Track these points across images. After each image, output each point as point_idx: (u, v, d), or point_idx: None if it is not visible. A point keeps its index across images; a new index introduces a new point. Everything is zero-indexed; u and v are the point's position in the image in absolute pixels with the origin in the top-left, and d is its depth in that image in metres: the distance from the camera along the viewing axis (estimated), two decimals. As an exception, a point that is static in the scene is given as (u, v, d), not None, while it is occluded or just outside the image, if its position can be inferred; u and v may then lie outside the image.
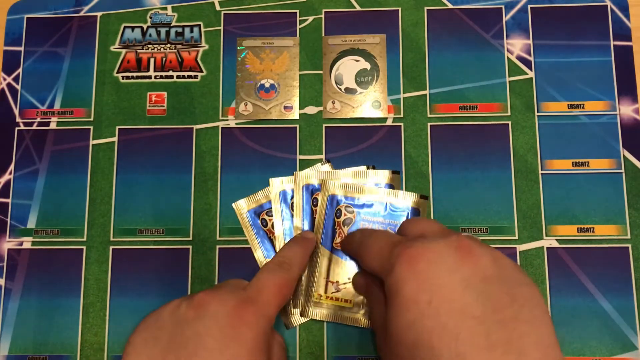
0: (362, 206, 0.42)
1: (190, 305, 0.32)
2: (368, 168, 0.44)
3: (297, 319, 0.42)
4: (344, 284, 0.41)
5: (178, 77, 0.47)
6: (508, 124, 0.45)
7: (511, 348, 0.27)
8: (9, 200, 0.45)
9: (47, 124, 0.46)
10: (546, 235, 0.43)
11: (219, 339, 0.30)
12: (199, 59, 0.47)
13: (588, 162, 0.44)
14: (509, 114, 0.45)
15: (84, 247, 0.44)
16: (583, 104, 0.45)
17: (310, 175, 0.43)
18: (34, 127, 0.46)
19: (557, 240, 0.43)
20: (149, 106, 0.46)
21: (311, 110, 0.46)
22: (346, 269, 0.41)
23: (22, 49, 0.48)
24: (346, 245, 0.40)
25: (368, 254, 0.35)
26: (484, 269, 0.30)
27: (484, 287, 0.29)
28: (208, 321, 0.31)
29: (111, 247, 0.44)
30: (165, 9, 0.48)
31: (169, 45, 0.47)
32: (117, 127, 0.46)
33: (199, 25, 0.48)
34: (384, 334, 0.32)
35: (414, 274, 0.30)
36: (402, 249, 0.31)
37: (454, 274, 0.29)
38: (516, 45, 0.46)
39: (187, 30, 0.48)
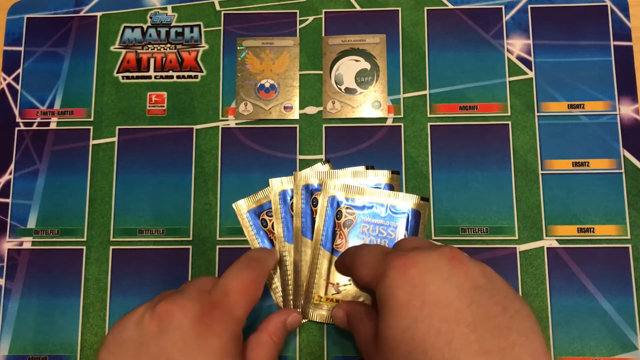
0: (363, 208, 0.42)
1: (153, 317, 0.31)
2: (367, 168, 0.44)
3: (297, 319, 0.42)
4: (344, 285, 0.41)
5: (178, 77, 0.47)
6: (508, 124, 0.45)
7: (505, 355, 0.27)
8: (9, 200, 0.45)
9: (47, 124, 0.46)
10: (546, 235, 0.43)
11: (185, 352, 0.30)
12: (199, 59, 0.47)
13: (588, 162, 0.44)
14: (509, 114, 0.45)
15: (84, 247, 0.44)
16: (583, 104, 0.45)
17: (309, 175, 0.43)
18: (34, 127, 0.46)
19: (557, 240, 0.43)
20: (149, 106, 0.46)
21: (311, 110, 0.46)
22: (346, 269, 0.41)
23: (22, 49, 0.48)
24: (340, 261, 0.40)
25: (361, 264, 0.35)
26: (475, 279, 0.30)
27: (475, 295, 0.29)
28: (172, 334, 0.30)
29: (111, 247, 0.44)
30: (165, 9, 0.48)
31: (169, 45, 0.47)
32: (117, 127, 0.46)
33: (199, 25, 0.48)
34: (374, 349, 0.32)
35: (406, 280, 0.30)
36: (395, 257, 0.32)
37: (446, 281, 0.30)
38: (516, 45, 0.46)
39: (187, 30, 0.48)
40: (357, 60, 0.46)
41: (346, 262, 0.39)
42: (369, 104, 0.45)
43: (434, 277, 0.30)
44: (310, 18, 0.47)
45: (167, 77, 0.47)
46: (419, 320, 0.29)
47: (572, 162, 0.44)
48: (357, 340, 0.36)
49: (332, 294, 0.41)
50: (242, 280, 0.34)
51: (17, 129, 0.46)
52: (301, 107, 0.46)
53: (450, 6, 0.47)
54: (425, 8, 0.47)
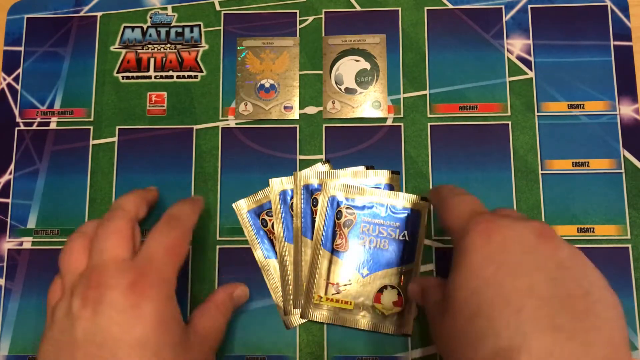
0: (363, 208, 0.42)
1: (85, 304, 0.31)
2: (367, 168, 0.44)
3: (297, 319, 0.42)
4: (344, 285, 0.41)
5: (178, 77, 0.47)
6: (508, 124, 0.45)
7: (577, 335, 0.25)
8: (9, 200, 0.45)
9: (47, 124, 0.46)
10: (546, 236, 0.43)
11: (123, 324, 0.30)
12: (199, 59, 0.47)
13: (588, 162, 0.44)
14: (509, 114, 0.45)
15: (84, 247, 0.44)
16: (583, 104, 0.45)
17: (309, 175, 0.43)
18: (34, 127, 0.46)
19: (557, 240, 0.43)
20: (149, 106, 0.46)
21: (311, 110, 0.46)
22: (346, 271, 0.41)
23: (22, 49, 0.48)
24: (433, 195, 0.39)
25: (450, 211, 0.34)
26: (561, 259, 0.29)
27: (557, 273, 0.28)
28: (108, 312, 0.30)
29: (111, 247, 0.44)
30: (165, 9, 0.48)
31: (169, 45, 0.47)
32: (117, 127, 0.46)
33: (199, 25, 0.48)
34: (441, 311, 0.31)
35: (487, 243, 0.29)
36: (483, 218, 0.31)
37: (529, 254, 0.28)
38: (516, 45, 0.46)
39: (187, 30, 0.48)
40: (357, 60, 0.46)
41: (435, 202, 0.38)
42: (369, 104, 0.45)
43: (516, 247, 0.29)
44: (310, 18, 0.47)
45: (167, 77, 0.47)
46: (490, 284, 0.28)
47: (572, 162, 0.44)
48: (426, 311, 0.36)
49: (332, 294, 0.41)
50: (164, 243, 0.34)
51: (17, 129, 0.46)
52: (301, 107, 0.46)
53: (450, 6, 0.47)
54: (425, 8, 0.47)
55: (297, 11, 0.48)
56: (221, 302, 0.38)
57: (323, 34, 0.47)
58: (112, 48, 0.48)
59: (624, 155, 0.44)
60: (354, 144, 0.45)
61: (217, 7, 0.48)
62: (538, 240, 0.29)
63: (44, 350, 0.32)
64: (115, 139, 0.46)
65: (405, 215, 0.42)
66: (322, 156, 0.45)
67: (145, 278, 0.32)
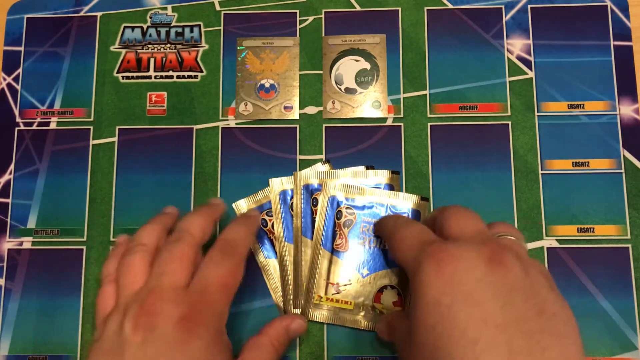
0: (363, 207, 0.42)
1: (136, 329, 0.31)
2: (367, 168, 0.44)
3: (297, 319, 0.42)
4: (344, 285, 0.41)
5: (178, 77, 0.47)
6: (508, 124, 0.45)
7: (534, 358, 0.26)
8: (9, 200, 0.45)
9: (47, 124, 0.46)
10: (546, 235, 0.43)
11: (171, 358, 0.30)
12: (199, 59, 0.47)
13: (588, 162, 0.44)
14: (509, 114, 0.45)
15: (84, 247, 0.44)
16: (583, 104, 0.45)
17: (309, 175, 0.43)
18: (34, 127, 0.46)
19: (557, 240, 0.43)
20: (149, 106, 0.46)
21: (311, 110, 0.46)
22: (346, 271, 0.41)
23: (22, 49, 0.48)
24: (378, 229, 0.39)
25: (398, 246, 0.34)
26: (513, 281, 0.29)
27: (510, 297, 0.28)
28: (157, 343, 0.30)
29: (111, 247, 0.44)
30: (165, 9, 0.48)
31: (169, 45, 0.47)
32: (117, 127, 0.46)
33: (199, 25, 0.48)
34: (408, 350, 0.32)
35: (439, 277, 0.29)
36: (432, 250, 0.31)
37: (480, 282, 0.29)
38: (516, 45, 0.46)
39: (187, 30, 0.48)
40: (357, 60, 0.46)
41: (384, 234, 0.38)
42: (369, 104, 0.45)
43: (468, 277, 0.29)
44: (310, 18, 0.47)
45: (167, 77, 0.47)
46: (446, 318, 0.28)
47: (572, 162, 0.44)
48: (396, 345, 0.36)
49: (332, 294, 0.41)
50: (218, 274, 0.34)
51: (17, 129, 0.46)
52: (301, 107, 0.46)
53: (450, 6, 0.47)
54: (425, 8, 0.47)
55: (297, 11, 0.48)
56: (275, 337, 0.37)
57: (323, 34, 0.47)
58: (112, 48, 0.48)
59: (624, 155, 0.44)
60: (354, 144, 0.45)
61: (217, 7, 0.48)
62: (487, 267, 0.29)
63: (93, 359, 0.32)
64: (115, 139, 0.46)
65: (406, 215, 0.42)
66: (322, 156, 0.45)
67: (197, 314, 0.32)
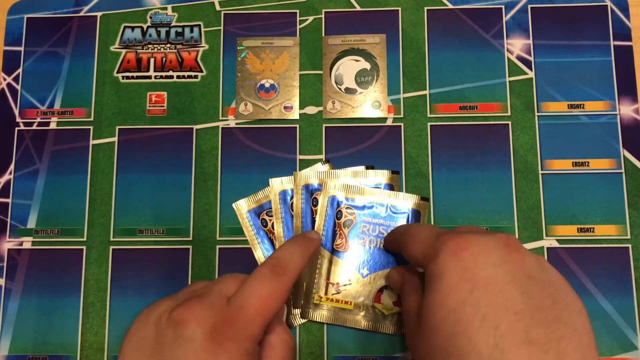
0: (363, 207, 0.42)
1: (169, 323, 0.30)
2: (367, 168, 0.44)
3: (297, 319, 0.42)
4: (344, 285, 0.41)
5: (178, 77, 0.47)
6: (508, 124, 0.45)
7: (550, 347, 0.26)
8: (9, 200, 0.45)
9: (47, 124, 0.46)
10: (546, 235, 0.43)
11: None
12: (199, 59, 0.47)
13: (588, 162, 0.44)
14: (509, 114, 0.45)
15: (84, 247, 0.44)
16: (583, 104, 0.45)
17: (309, 175, 0.43)
18: (34, 127, 0.46)
19: (557, 240, 0.43)
20: (149, 106, 0.46)
21: (311, 110, 0.46)
22: (346, 271, 0.41)
23: (22, 49, 0.48)
24: (389, 238, 0.39)
25: (413, 241, 0.34)
26: (529, 269, 0.29)
27: (527, 285, 0.29)
28: (184, 345, 0.30)
29: (111, 247, 0.44)
30: (165, 9, 0.48)
31: (169, 45, 0.47)
32: (117, 127, 0.46)
33: (199, 25, 0.48)
34: (418, 324, 0.32)
35: (458, 262, 0.30)
36: (449, 238, 0.31)
37: (499, 267, 0.29)
38: (516, 45, 0.46)
39: (187, 30, 0.48)
40: (357, 60, 0.46)
41: (397, 238, 0.38)
42: (369, 104, 0.45)
43: (486, 261, 0.29)
44: (310, 18, 0.47)
45: (167, 77, 0.47)
46: (467, 303, 0.28)
47: (572, 162, 0.44)
48: (404, 311, 0.36)
49: (332, 294, 0.41)
50: (261, 294, 0.32)
51: (17, 129, 0.46)
52: (301, 107, 0.46)
53: (450, 6, 0.47)
54: (425, 8, 0.47)
55: (297, 11, 0.48)
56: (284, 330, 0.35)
57: (323, 34, 0.47)
58: (112, 48, 0.48)
59: (624, 155, 0.44)
60: (354, 144, 0.45)
61: (217, 7, 0.48)
62: (506, 250, 0.30)
63: (127, 340, 0.32)
64: (115, 139, 0.46)
65: (406, 215, 0.42)
66: (322, 156, 0.45)
67: (228, 328, 0.30)
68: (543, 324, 0.27)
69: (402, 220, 0.42)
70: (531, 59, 0.46)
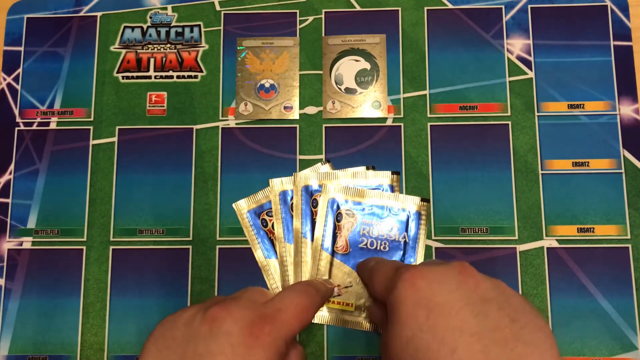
0: (363, 210, 0.42)
1: (204, 320, 0.31)
2: (368, 168, 0.44)
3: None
4: (345, 287, 0.41)
5: (178, 77, 0.47)
6: (508, 124, 0.45)
7: None
8: (9, 200, 0.45)
9: (47, 124, 0.46)
10: (546, 235, 0.43)
11: (231, 359, 0.30)
12: (199, 59, 0.47)
13: (588, 162, 0.44)
14: (509, 114, 0.45)
15: (84, 247, 0.44)
16: (583, 104, 0.45)
17: (309, 176, 0.43)
18: (34, 127, 0.46)
19: (557, 240, 0.43)
20: (149, 106, 0.46)
21: (311, 110, 0.46)
22: (347, 273, 0.41)
23: (22, 49, 0.48)
24: (360, 271, 0.41)
25: (375, 277, 0.36)
26: (484, 292, 0.30)
27: (482, 307, 0.29)
28: (221, 339, 0.30)
29: (111, 247, 0.44)
30: (165, 9, 0.48)
31: (169, 45, 0.47)
32: (117, 127, 0.46)
33: (199, 25, 0.48)
34: (385, 358, 0.32)
35: (415, 291, 0.30)
36: (405, 270, 0.32)
37: (454, 292, 0.30)
38: (516, 45, 0.46)
39: (187, 30, 0.48)
40: (357, 60, 0.46)
41: (363, 276, 0.40)
42: (369, 104, 0.45)
43: (441, 288, 0.30)
44: (310, 18, 0.47)
45: (167, 77, 0.47)
46: (424, 329, 0.29)
47: (572, 162, 0.44)
48: (380, 344, 0.36)
49: (333, 296, 0.41)
50: (297, 301, 0.34)
51: (17, 129, 0.46)
52: (301, 107, 0.46)
53: (450, 6, 0.47)
54: (425, 8, 0.47)
55: (297, 11, 0.48)
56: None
57: (323, 34, 0.47)
58: (112, 48, 0.47)
59: (624, 155, 0.44)
60: (354, 144, 0.45)
61: (217, 7, 0.48)
62: (459, 277, 0.31)
63: (152, 343, 0.32)
64: (115, 139, 0.46)
65: (406, 216, 0.42)
66: (322, 156, 0.45)
67: (266, 325, 0.32)
68: (501, 343, 0.27)
69: (402, 222, 0.42)
70: (531, 59, 0.46)
